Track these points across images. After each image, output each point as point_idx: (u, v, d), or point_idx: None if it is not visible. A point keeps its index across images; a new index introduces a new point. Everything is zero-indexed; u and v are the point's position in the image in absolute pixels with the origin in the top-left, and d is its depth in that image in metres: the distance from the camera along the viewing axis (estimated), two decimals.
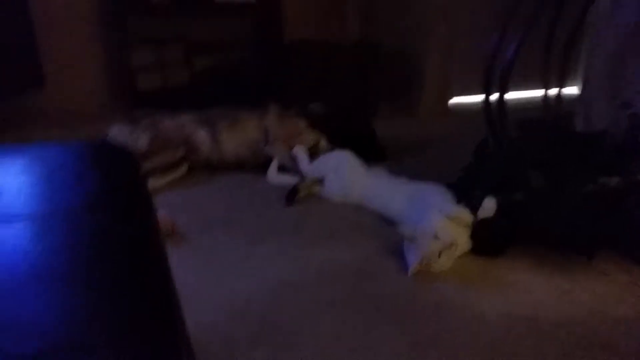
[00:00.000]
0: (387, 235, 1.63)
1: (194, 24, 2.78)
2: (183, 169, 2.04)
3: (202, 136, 2.08)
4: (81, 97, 2.65)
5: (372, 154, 2.24)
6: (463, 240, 1.49)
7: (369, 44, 3.04)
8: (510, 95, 1.73)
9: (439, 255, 1.43)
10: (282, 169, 2.07)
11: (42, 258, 0.64)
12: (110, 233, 0.71)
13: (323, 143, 2.21)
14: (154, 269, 0.68)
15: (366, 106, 2.41)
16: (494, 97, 1.65)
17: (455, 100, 2.91)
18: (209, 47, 2.84)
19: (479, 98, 2.91)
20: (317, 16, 3.03)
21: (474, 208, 1.56)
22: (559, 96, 2.12)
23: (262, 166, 2.10)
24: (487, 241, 1.52)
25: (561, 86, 2.12)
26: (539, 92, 2.59)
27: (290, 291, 1.40)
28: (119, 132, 1.97)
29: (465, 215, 1.51)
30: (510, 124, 1.65)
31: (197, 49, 2.81)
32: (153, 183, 1.87)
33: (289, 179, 1.99)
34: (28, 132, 2.37)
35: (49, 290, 0.58)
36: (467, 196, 1.66)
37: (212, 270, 1.48)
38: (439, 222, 1.45)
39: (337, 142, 2.22)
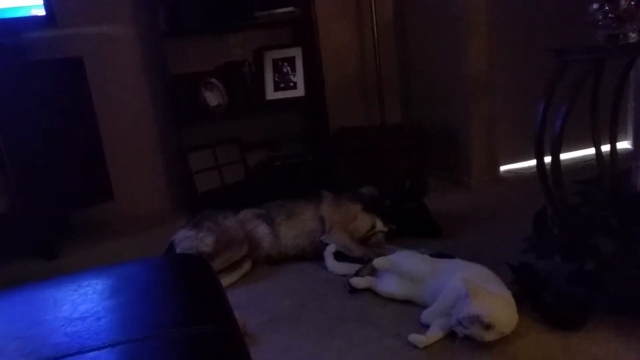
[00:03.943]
0: None
1: (245, 122, 2.97)
2: (247, 265, 2.09)
3: (261, 232, 2.14)
4: (146, 204, 2.83)
5: (426, 231, 2.26)
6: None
7: (410, 124, 3.13)
8: (562, 156, 1.71)
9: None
10: (340, 255, 2.09)
11: None
12: (200, 346, 0.75)
13: (379, 225, 2.23)
14: None
15: (416, 184, 2.44)
16: (547, 163, 1.64)
17: (504, 168, 2.91)
18: (261, 143, 3.00)
19: (527, 164, 2.93)
20: (359, 104, 3.18)
21: (540, 284, 1.53)
22: (612, 153, 2.09)
23: (321, 255, 2.13)
24: (564, 315, 1.47)
25: (613, 143, 2.09)
26: (589, 151, 2.58)
27: None
28: (184, 237, 2.06)
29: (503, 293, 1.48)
30: (567, 189, 1.63)
31: (249, 146, 2.97)
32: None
33: (348, 267, 2.00)
34: (99, 240, 2.52)
35: None
36: (531, 272, 1.63)
37: None
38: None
39: (391, 222, 2.25)
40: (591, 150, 2.16)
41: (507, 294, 1.49)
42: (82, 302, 0.83)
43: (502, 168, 2.89)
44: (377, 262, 1.83)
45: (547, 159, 1.66)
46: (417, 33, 3.04)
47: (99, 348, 0.70)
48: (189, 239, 2.03)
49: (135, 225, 2.66)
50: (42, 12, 2.36)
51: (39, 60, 2.40)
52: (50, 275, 2.28)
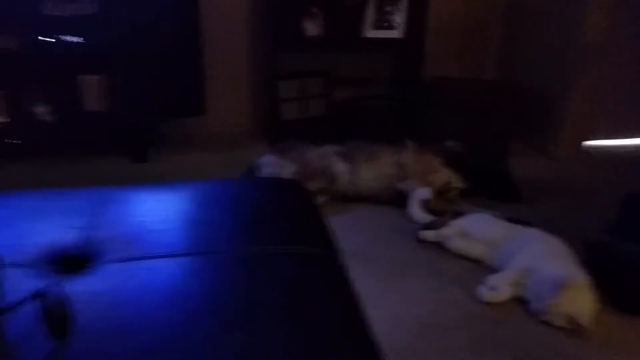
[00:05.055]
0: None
1: (337, 57, 2.94)
2: (322, 199, 2.15)
3: (341, 168, 2.19)
4: (232, 124, 2.92)
5: (506, 194, 2.22)
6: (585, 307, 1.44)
7: (507, 82, 3.00)
8: None
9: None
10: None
11: (251, 288, 0.74)
12: (307, 266, 0.81)
13: (456, 181, 2.22)
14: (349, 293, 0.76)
15: (502, 145, 2.38)
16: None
17: (594, 142, 2.78)
18: (349, 80, 2.98)
19: (618, 142, 2.78)
20: (455, 54, 3.07)
21: (616, 265, 1.50)
22: None
23: (395, 200, 2.16)
24: (634, 299, 1.45)
25: None
26: None
27: (427, 330, 1.44)
28: (268, 162, 2.14)
29: (583, 280, 1.47)
30: None
31: (338, 82, 2.96)
32: None
33: (427, 218, 2.01)
34: (184, 152, 2.66)
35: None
36: (608, 252, 1.59)
37: None
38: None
39: (472, 180, 2.23)
40: None
41: (586, 280, 1.48)
42: (201, 208, 0.91)
43: (592, 143, 2.76)
44: (446, 231, 1.84)
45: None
46: None
47: (224, 252, 0.77)
48: (273, 165, 2.11)
49: (219, 142, 2.77)
50: None
51: None
52: (140, 177, 2.45)
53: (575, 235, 1.72)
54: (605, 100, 2.67)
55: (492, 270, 1.66)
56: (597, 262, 1.61)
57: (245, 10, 2.81)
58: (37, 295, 0.61)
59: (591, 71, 2.53)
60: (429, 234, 1.89)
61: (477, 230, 1.78)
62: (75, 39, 2.42)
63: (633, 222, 1.69)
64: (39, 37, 2.36)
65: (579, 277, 1.47)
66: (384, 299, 1.59)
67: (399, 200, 2.14)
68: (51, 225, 0.83)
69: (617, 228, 1.74)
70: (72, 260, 0.76)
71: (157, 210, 0.87)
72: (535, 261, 1.53)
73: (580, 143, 2.70)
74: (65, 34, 2.42)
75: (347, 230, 2.00)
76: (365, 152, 2.25)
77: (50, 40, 2.39)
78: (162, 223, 0.82)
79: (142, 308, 0.63)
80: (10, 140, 2.39)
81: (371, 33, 2.80)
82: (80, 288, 0.68)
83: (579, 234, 1.75)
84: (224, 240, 0.80)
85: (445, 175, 2.22)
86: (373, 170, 2.20)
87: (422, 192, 2.08)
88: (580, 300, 1.43)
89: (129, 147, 2.55)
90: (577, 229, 1.84)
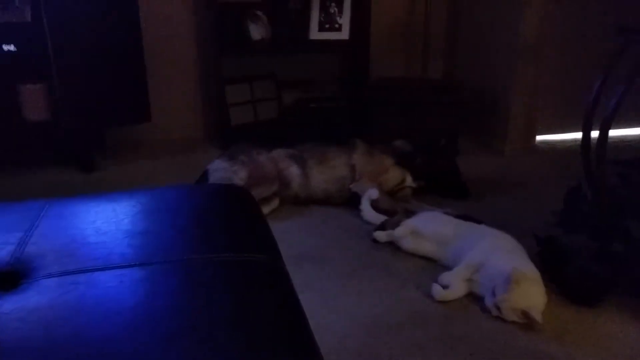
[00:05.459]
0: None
1: (284, 60, 2.94)
2: (275, 202, 2.14)
3: (293, 172, 2.18)
4: (180, 130, 2.87)
5: (454, 191, 2.27)
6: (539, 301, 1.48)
7: (452, 81, 3.08)
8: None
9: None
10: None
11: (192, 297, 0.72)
12: (253, 273, 0.80)
13: (408, 180, 2.25)
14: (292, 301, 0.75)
15: (450, 143, 2.43)
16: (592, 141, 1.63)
17: (539, 138, 2.88)
18: (297, 83, 2.98)
19: (563, 137, 2.90)
20: (402, 54, 3.12)
21: (564, 258, 1.56)
22: None
23: (347, 202, 2.17)
24: (583, 290, 1.50)
25: None
26: (627, 131, 2.54)
27: (383, 330, 1.44)
28: (218, 167, 2.10)
29: (533, 274, 1.51)
30: (608, 169, 1.62)
31: (286, 85, 2.95)
32: None
33: (379, 218, 2.01)
34: (133, 160, 2.59)
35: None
36: (557, 245, 1.65)
37: (305, 304, 1.55)
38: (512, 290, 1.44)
39: (422, 179, 2.27)
40: (633, 131, 2.12)
41: (536, 274, 1.51)
42: (141, 218, 0.88)
43: (538, 138, 2.86)
44: (398, 231, 1.84)
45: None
46: None
47: (163, 262, 0.74)
48: (223, 170, 2.08)
49: (168, 149, 2.71)
50: None
51: None
52: (87, 187, 2.37)
53: (524, 230, 1.77)
54: (546, 97, 2.78)
55: (445, 268, 1.69)
56: (547, 255, 1.66)
57: (189, 15, 2.77)
58: None
59: (529, 70, 2.63)
60: (382, 235, 1.90)
61: (428, 229, 1.81)
62: (10, 47, 2.32)
63: (576, 215, 1.75)
64: None
65: (530, 272, 1.50)
66: (340, 300, 1.58)
67: (352, 201, 2.15)
68: None
69: (564, 221, 1.80)
70: (4, 278, 0.72)
71: (96, 222, 0.84)
72: (486, 257, 1.56)
73: (526, 139, 2.79)
74: (0, 43, 2.31)
75: (301, 233, 1.99)
76: (317, 154, 2.24)
77: None
78: (100, 235, 0.79)
79: (77, 323, 0.60)
80: None
81: (317, 35, 2.82)
82: (12, 306, 0.64)
83: (528, 228, 1.80)
84: (164, 250, 0.78)
85: (397, 175, 2.25)
86: (325, 172, 2.20)
87: (373, 193, 2.09)
88: (531, 295, 1.45)
89: (75, 156, 2.46)
90: (527, 223, 1.90)
